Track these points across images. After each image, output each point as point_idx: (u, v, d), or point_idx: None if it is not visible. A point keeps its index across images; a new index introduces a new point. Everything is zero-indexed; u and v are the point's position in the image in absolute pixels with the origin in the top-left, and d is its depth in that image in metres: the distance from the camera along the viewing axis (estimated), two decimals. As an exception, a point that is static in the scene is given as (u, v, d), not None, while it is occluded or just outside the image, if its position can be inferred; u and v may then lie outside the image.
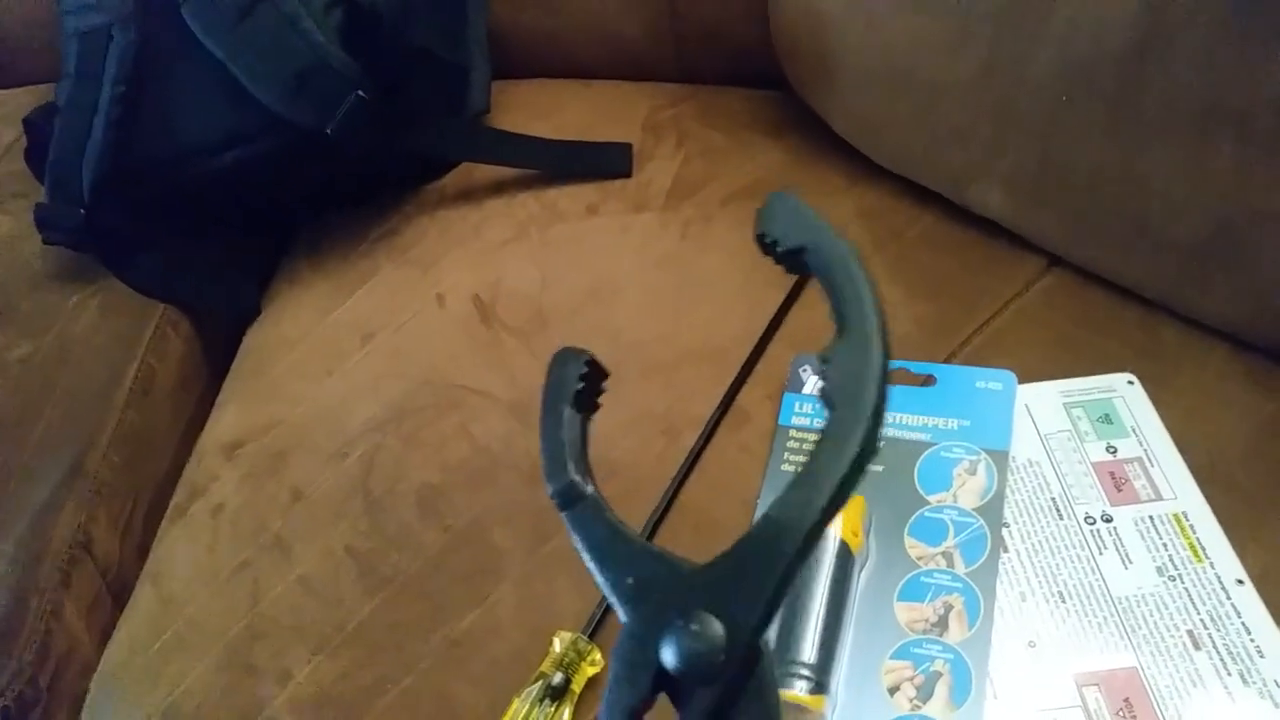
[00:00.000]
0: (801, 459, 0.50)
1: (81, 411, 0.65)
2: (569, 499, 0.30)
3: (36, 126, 0.75)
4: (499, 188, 0.72)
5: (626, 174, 0.71)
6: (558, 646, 0.44)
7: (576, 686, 0.44)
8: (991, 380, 0.51)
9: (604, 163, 0.72)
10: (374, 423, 0.58)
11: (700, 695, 0.25)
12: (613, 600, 0.27)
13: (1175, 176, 0.52)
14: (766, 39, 0.71)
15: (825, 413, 0.27)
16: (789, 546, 0.26)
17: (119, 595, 0.63)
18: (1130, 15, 0.49)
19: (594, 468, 0.53)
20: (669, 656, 0.25)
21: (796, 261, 0.30)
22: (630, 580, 0.27)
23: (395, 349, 0.62)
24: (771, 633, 0.30)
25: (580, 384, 0.32)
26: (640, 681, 0.25)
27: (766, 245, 0.30)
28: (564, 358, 0.33)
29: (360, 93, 0.64)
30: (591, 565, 0.28)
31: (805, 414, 0.51)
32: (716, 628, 0.25)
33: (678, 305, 0.61)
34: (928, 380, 0.51)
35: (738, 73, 0.78)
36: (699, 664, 0.25)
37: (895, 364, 0.52)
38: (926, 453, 0.48)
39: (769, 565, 0.26)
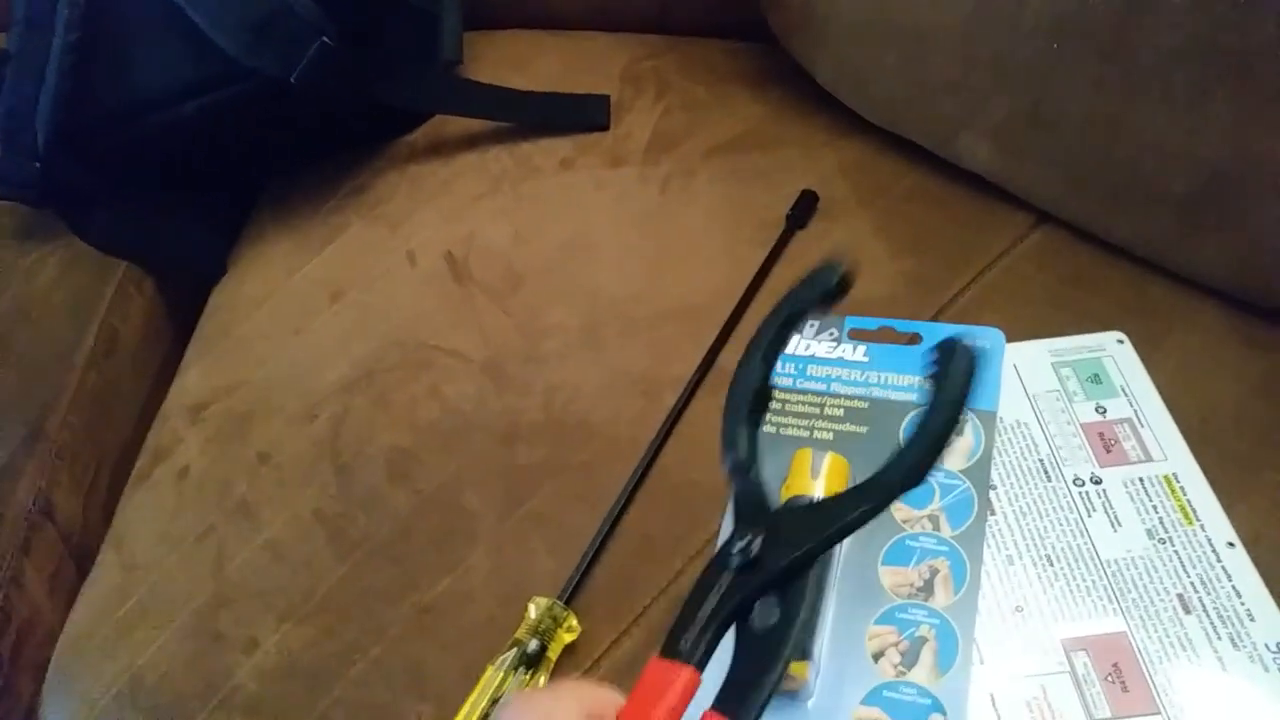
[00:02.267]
0: (783, 420, 0.48)
1: (41, 373, 0.63)
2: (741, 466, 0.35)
3: (-13, 76, 0.72)
4: (471, 141, 0.70)
5: (604, 127, 0.69)
6: (533, 613, 0.43)
7: (553, 654, 0.42)
8: (979, 338, 0.49)
9: (580, 115, 0.69)
10: (343, 383, 0.56)
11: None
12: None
13: (1168, 127, 0.50)
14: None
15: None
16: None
17: (82, 562, 0.61)
18: (1126, -40, 0.48)
19: (572, 430, 0.52)
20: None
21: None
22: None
23: (365, 307, 0.60)
24: None
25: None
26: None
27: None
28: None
29: (325, 39, 0.61)
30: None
31: (787, 374, 0.50)
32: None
33: (657, 262, 0.59)
34: (914, 339, 0.50)
35: (720, 24, 0.75)
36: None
37: (880, 322, 0.51)
38: (913, 413, 0.47)
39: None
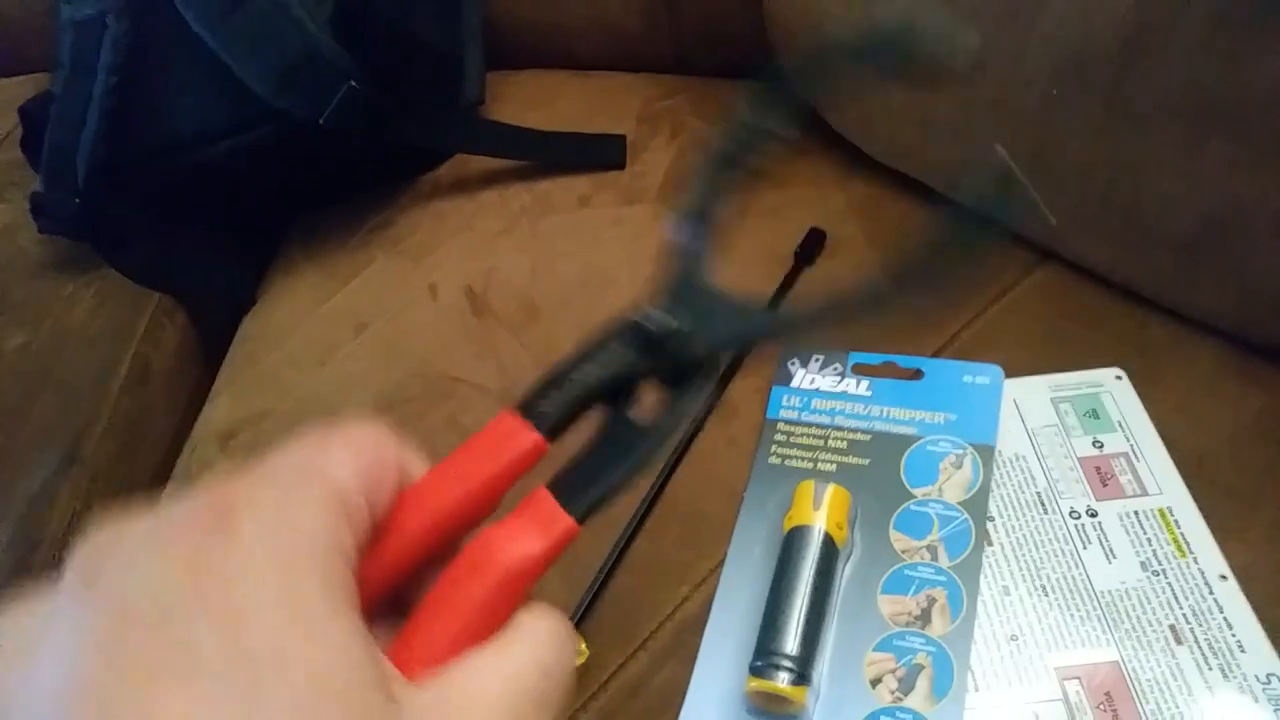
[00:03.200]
0: (787, 452, 0.50)
1: (77, 400, 0.66)
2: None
3: (32, 115, 0.76)
4: (492, 179, 0.72)
5: (620, 166, 0.71)
6: (543, 637, 0.45)
7: (561, 677, 0.44)
8: (979, 375, 0.51)
9: (597, 154, 0.72)
10: (365, 413, 0.58)
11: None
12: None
13: (1166, 172, 0.52)
14: (763, 31, 0.71)
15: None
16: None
17: (113, 583, 0.63)
18: (1122, 11, 0.49)
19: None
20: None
21: None
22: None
23: (387, 339, 0.63)
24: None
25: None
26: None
27: None
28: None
29: (353, 83, 0.64)
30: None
31: (793, 407, 0.51)
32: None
33: (669, 297, 0.61)
34: (915, 374, 0.52)
35: (733, 64, 0.78)
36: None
37: (884, 358, 0.53)
38: (913, 446, 0.49)
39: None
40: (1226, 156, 0.49)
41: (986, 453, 0.48)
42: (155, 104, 0.67)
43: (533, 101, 0.77)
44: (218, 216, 0.74)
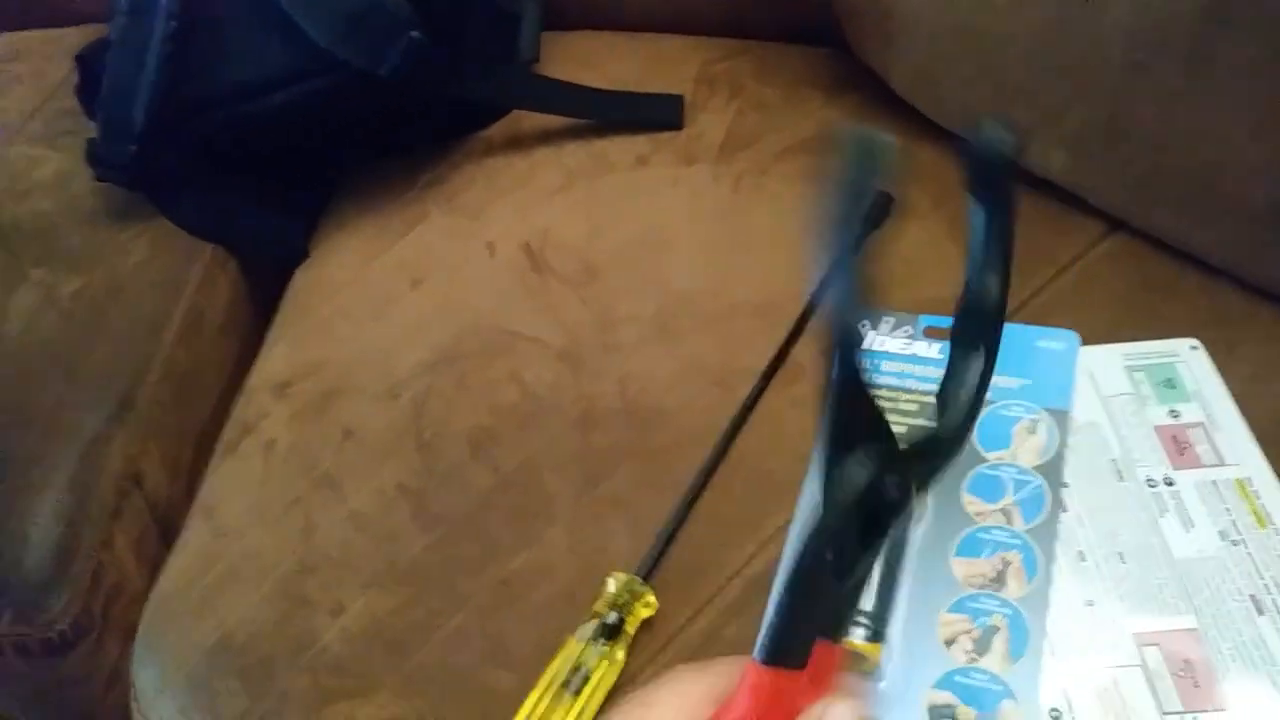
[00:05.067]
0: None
1: (132, 347, 0.66)
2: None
3: (88, 63, 0.75)
4: (547, 137, 0.72)
5: (677, 126, 0.70)
6: (612, 587, 0.45)
7: (630, 628, 0.44)
8: (1053, 339, 0.50)
9: (654, 114, 0.71)
10: (424, 365, 0.58)
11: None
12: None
13: (1246, 140, 0.51)
14: (823, -7, 0.70)
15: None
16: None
17: (165, 529, 0.63)
18: (1210, -30, 0.48)
19: (646, 417, 0.54)
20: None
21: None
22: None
23: (445, 294, 0.62)
24: None
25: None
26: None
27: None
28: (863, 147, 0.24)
29: (414, 34, 0.63)
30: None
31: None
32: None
33: (730, 258, 0.61)
34: (988, 338, 0.51)
35: (792, 29, 0.76)
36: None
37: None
38: (985, 410, 0.48)
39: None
40: (1314, 123, 0.48)
41: (1062, 418, 0.47)
42: (214, 52, 0.67)
43: (586, 61, 0.76)
44: (272, 168, 0.73)
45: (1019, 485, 0.45)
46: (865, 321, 0.25)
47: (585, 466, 0.51)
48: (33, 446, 0.61)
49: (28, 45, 0.89)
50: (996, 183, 0.30)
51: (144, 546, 0.62)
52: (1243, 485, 0.45)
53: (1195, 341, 0.51)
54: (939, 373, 0.50)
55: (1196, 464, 0.46)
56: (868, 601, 0.41)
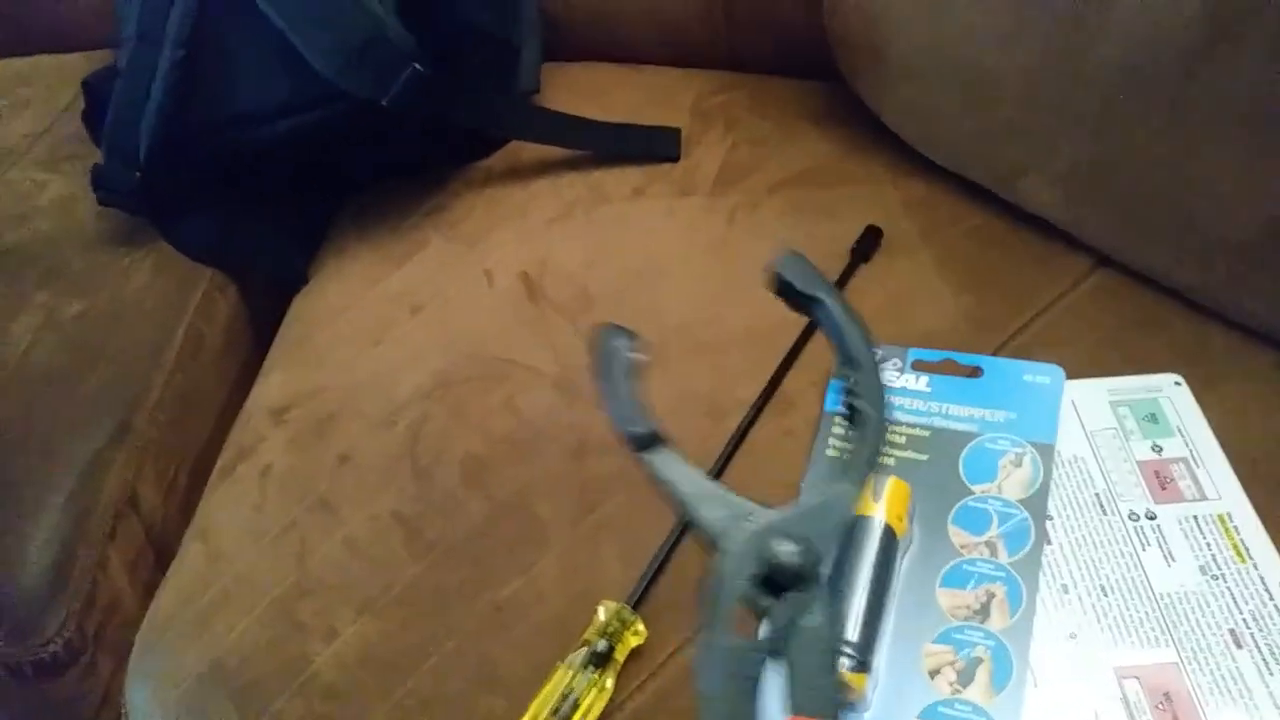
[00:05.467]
0: (846, 445, 0.50)
1: (131, 371, 0.67)
2: (648, 442, 0.34)
3: (95, 89, 0.77)
4: (546, 168, 0.73)
5: (674, 158, 0.71)
6: (602, 615, 0.45)
7: (620, 655, 0.44)
8: (1039, 374, 0.51)
9: (652, 146, 0.72)
10: (420, 393, 0.59)
11: (789, 596, 0.31)
12: (705, 525, 0.33)
13: (1228, 177, 0.52)
14: (816, 27, 0.71)
15: (853, 425, 0.38)
16: (841, 514, 0.34)
17: (160, 551, 0.64)
18: (1192, 15, 0.49)
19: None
20: (777, 558, 0.31)
21: (806, 309, 0.39)
22: (721, 513, 0.32)
23: (443, 322, 0.63)
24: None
25: (631, 354, 0.36)
26: (743, 580, 0.31)
27: (781, 288, 0.39)
28: (611, 332, 0.37)
29: (417, 66, 0.64)
30: (681, 498, 0.33)
31: (851, 400, 0.52)
32: (800, 549, 0.32)
33: (724, 289, 0.61)
34: (974, 371, 0.52)
35: (786, 61, 0.78)
36: (791, 570, 0.31)
37: (942, 354, 0.53)
38: (972, 443, 0.49)
39: (830, 521, 0.33)
40: (1292, 164, 0.49)
41: (1047, 451, 0.48)
42: (219, 80, 0.68)
43: (586, 93, 0.78)
44: (273, 195, 0.75)
45: (1004, 518, 0.46)
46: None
47: (578, 494, 0.52)
48: (31, 468, 0.61)
49: (35, 70, 0.91)
50: (810, 292, 0.37)
51: (138, 569, 0.63)
52: (1223, 520, 0.46)
53: (1178, 377, 0.51)
54: (928, 405, 0.51)
55: (1179, 498, 0.47)
56: (854, 631, 0.41)
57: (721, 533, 0.32)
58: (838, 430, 0.51)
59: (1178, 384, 0.51)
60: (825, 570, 0.32)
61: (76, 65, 0.88)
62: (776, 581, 0.31)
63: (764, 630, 0.30)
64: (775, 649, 0.30)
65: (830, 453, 0.50)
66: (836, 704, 0.30)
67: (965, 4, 0.58)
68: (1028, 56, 0.56)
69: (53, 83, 0.88)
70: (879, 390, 0.37)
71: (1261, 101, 0.49)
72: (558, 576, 0.49)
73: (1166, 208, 0.55)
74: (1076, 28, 0.54)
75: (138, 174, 0.69)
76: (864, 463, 0.36)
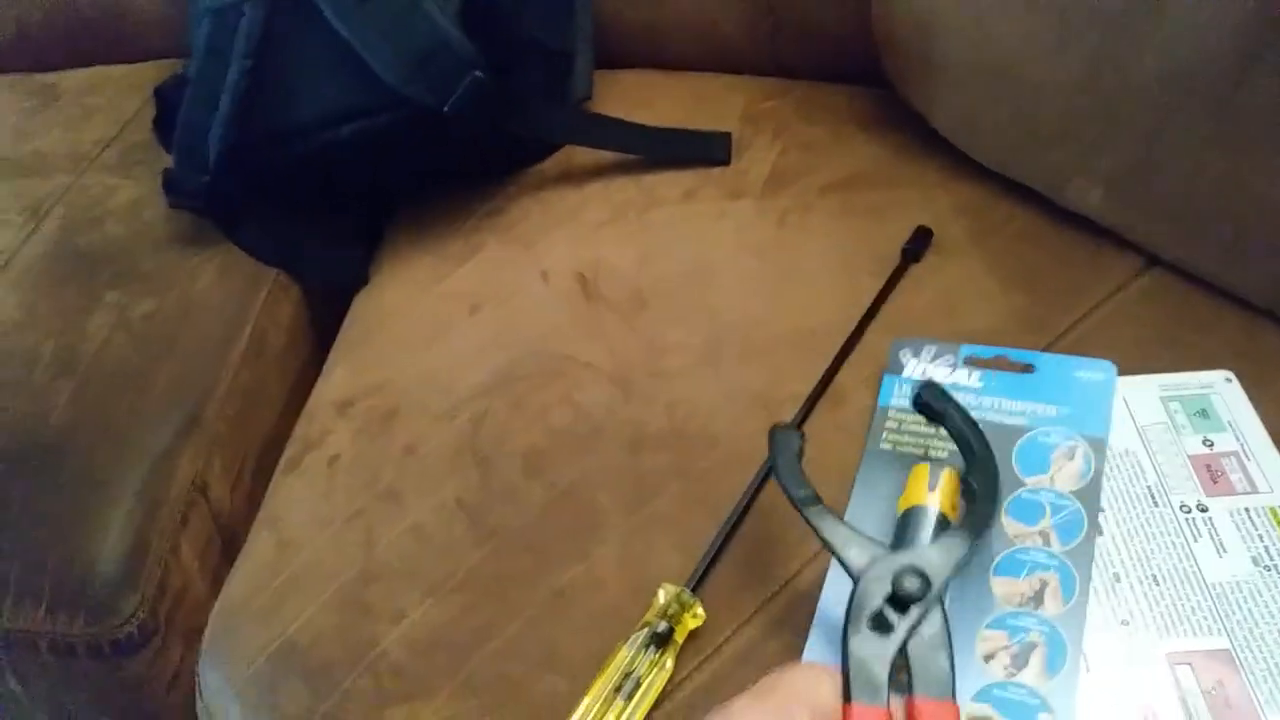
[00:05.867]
0: (899, 438, 0.51)
1: (200, 367, 0.69)
2: (810, 501, 0.44)
3: (165, 97, 0.80)
4: (598, 172, 0.75)
5: (725, 162, 0.73)
6: (662, 598, 0.47)
7: (679, 636, 0.46)
8: (1091, 370, 0.52)
9: (703, 150, 0.74)
10: (481, 388, 0.61)
11: (912, 611, 0.39)
12: (850, 563, 0.41)
13: (1274, 183, 0.53)
14: (863, 35, 0.72)
15: (964, 497, 0.46)
16: (955, 557, 0.42)
17: (228, 540, 0.66)
18: (1236, 24, 0.50)
19: (694, 440, 0.56)
20: (904, 588, 0.39)
21: (940, 419, 0.48)
22: (863, 554, 0.42)
23: (502, 320, 0.65)
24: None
25: (798, 441, 0.46)
26: (878, 600, 0.40)
27: (919, 404, 0.48)
28: (785, 429, 0.47)
29: (478, 73, 0.66)
30: (833, 543, 0.42)
31: (905, 395, 0.53)
32: (920, 582, 0.40)
33: (775, 289, 0.63)
34: (1026, 368, 0.53)
35: (833, 69, 0.79)
36: (914, 595, 0.39)
37: (995, 351, 0.54)
38: (1024, 437, 0.50)
39: (945, 561, 0.41)
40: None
41: (1098, 445, 0.49)
42: (285, 89, 0.71)
43: (636, 100, 0.79)
44: (335, 198, 0.77)
45: (1056, 509, 0.47)
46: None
47: (635, 486, 0.54)
48: (107, 459, 0.64)
49: (105, 79, 0.94)
50: (939, 406, 0.47)
51: (208, 555, 0.65)
52: (1275, 512, 0.46)
53: (1229, 374, 0.52)
54: (980, 400, 0.52)
55: (1230, 491, 0.47)
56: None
57: (863, 570, 0.41)
58: (891, 424, 0.52)
59: (1229, 380, 0.52)
60: (941, 594, 0.40)
61: (145, 74, 0.91)
62: (903, 601, 0.39)
63: (895, 635, 0.39)
64: (902, 648, 0.39)
65: (884, 446, 0.51)
66: (950, 689, 0.37)
67: (1013, 14, 0.59)
68: (1075, 66, 0.57)
69: (122, 91, 0.92)
70: (994, 477, 0.45)
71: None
72: (616, 563, 0.51)
73: (1215, 213, 0.56)
74: (1123, 37, 0.55)
75: (205, 179, 0.71)
76: (977, 521, 0.43)
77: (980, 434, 0.46)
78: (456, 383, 0.61)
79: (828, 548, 0.42)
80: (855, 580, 0.41)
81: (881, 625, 0.39)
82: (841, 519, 0.43)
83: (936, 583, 0.40)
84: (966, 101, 0.66)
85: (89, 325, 0.71)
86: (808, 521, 0.43)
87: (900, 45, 0.69)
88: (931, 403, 0.47)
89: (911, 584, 0.39)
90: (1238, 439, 0.49)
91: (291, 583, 0.55)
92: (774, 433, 0.46)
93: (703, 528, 0.51)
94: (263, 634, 0.53)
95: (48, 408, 0.66)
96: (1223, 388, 0.52)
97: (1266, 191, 0.53)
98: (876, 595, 0.40)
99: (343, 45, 0.68)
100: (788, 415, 0.55)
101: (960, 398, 0.51)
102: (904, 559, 0.41)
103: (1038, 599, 0.44)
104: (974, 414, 0.51)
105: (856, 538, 0.42)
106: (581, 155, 0.75)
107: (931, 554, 0.41)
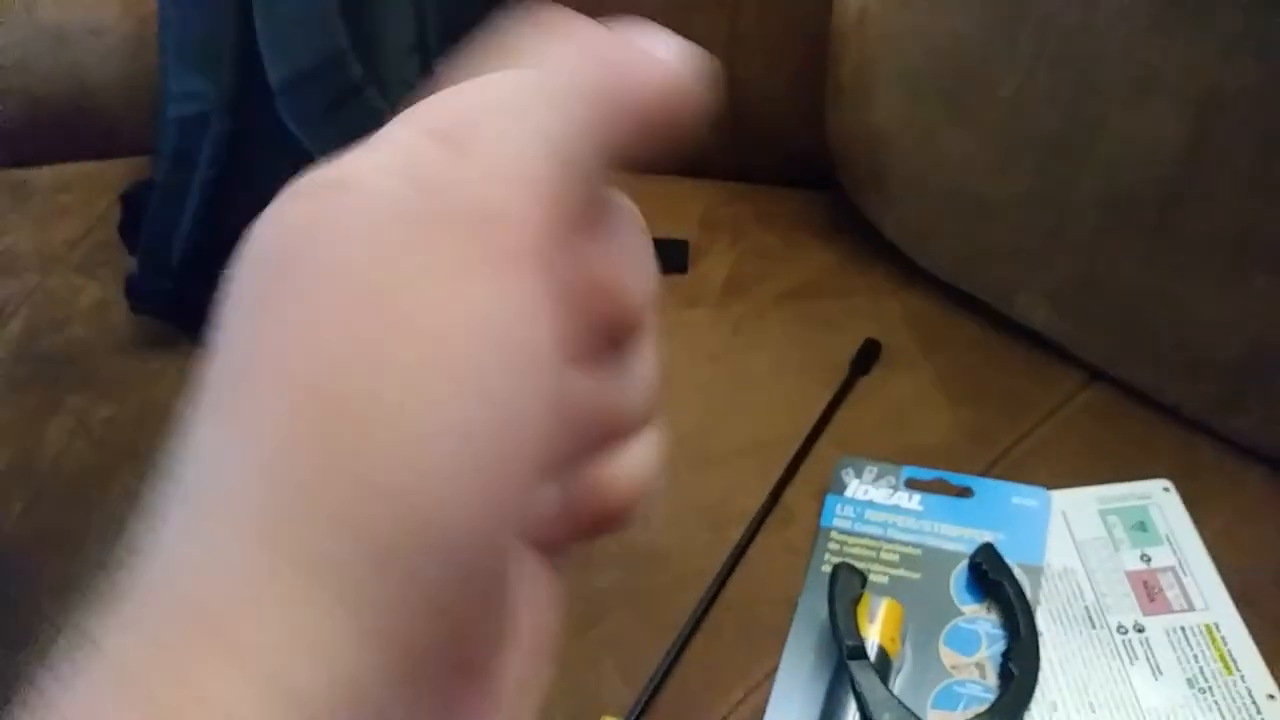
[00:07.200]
0: (839, 560, 0.51)
1: (156, 473, 0.69)
2: (858, 654, 0.44)
3: (130, 201, 0.81)
4: (558, 277, 0.75)
5: (682, 270, 0.74)
6: (603, 733, 0.47)
7: (620, 772, 0.46)
8: (1027, 497, 0.52)
9: (660, 258, 0.74)
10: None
11: None
12: None
13: (1211, 301, 0.54)
14: (821, 143, 0.74)
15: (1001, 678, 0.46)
16: None
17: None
18: (1171, 152, 0.52)
19: (643, 558, 0.56)
20: None
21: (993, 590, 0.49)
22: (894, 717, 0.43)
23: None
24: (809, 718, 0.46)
25: (860, 588, 0.48)
26: None
27: (975, 569, 0.50)
28: (848, 568, 0.48)
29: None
30: (866, 701, 0.43)
31: (846, 516, 0.53)
32: None
33: (729, 400, 0.64)
34: (965, 491, 0.53)
35: (792, 173, 0.81)
36: None
37: (935, 474, 0.54)
38: (962, 563, 0.50)
39: None
40: (1271, 289, 0.51)
41: (1034, 573, 0.49)
42: (250, 197, 0.69)
43: (599, 202, 0.81)
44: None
45: (992, 639, 0.47)
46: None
47: (583, 607, 0.54)
48: (61, 569, 0.63)
49: (77, 177, 0.95)
50: (996, 578, 0.48)
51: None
52: (1211, 630, 0.47)
53: (1167, 483, 0.53)
54: (920, 524, 0.53)
55: (1167, 609, 0.48)
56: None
57: None
58: (833, 546, 0.53)
59: (1166, 490, 0.53)
60: None
61: (116, 172, 0.92)
62: None
63: None
64: None
65: (825, 569, 0.52)
66: None
67: (959, 135, 0.61)
68: (1018, 184, 0.59)
69: (93, 189, 0.93)
70: (1035, 660, 0.45)
71: (1241, 230, 0.52)
72: (561, 691, 0.50)
73: (1154, 327, 0.57)
74: (1063, 158, 0.57)
75: (170, 285, 0.72)
76: (1013, 704, 0.44)
77: (1030, 617, 0.46)
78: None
79: (861, 708, 0.43)
80: None
81: None
82: (881, 679, 0.44)
83: None
84: (917, 214, 0.67)
85: (48, 432, 0.71)
86: (850, 675, 0.43)
87: (853, 158, 0.71)
88: (990, 572, 0.48)
89: None
90: (1175, 553, 0.50)
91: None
92: (838, 571, 0.47)
93: (649, 651, 0.51)
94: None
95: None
96: (1160, 498, 0.52)
97: (1200, 309, 0.55)
98: None
99: (309, 156, 0.69)
100: (735, 533, 0.55)
101: (901, 521, 0.52)
102: None
103: (975, 732, 0.44)
104: (915, 537, 0.52)
105: (891, 702, 0.43)
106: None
107: None
